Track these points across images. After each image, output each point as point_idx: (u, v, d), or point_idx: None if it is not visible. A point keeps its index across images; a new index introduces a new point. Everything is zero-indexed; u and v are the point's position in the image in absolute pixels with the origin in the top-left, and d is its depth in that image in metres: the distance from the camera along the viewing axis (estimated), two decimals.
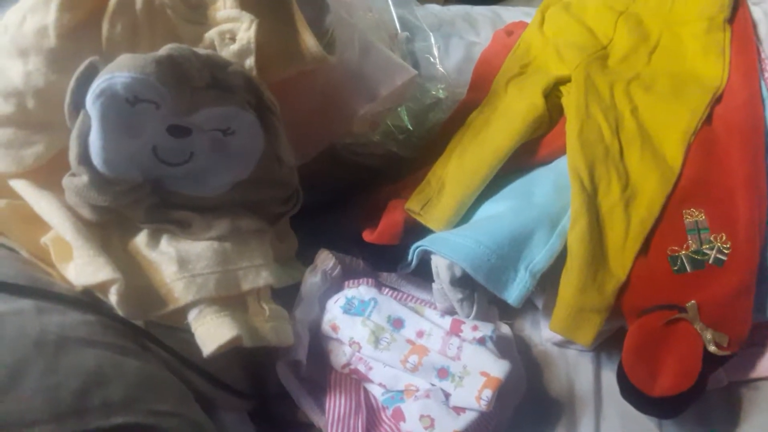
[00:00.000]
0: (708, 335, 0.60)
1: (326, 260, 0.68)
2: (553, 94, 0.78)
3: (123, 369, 0.48)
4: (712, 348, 0.60)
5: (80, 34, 0.52)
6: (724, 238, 0.65)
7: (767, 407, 0.65)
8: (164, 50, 0.52)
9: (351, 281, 0.68)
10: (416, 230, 0.70)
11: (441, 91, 0.87)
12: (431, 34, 0.94)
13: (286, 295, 0.64)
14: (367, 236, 0.70)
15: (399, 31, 0.92)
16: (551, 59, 0.84)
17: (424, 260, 0.67)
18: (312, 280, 0.66)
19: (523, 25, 0.96)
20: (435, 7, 1.17)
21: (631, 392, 0.60)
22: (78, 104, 0.51)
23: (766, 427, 0.64)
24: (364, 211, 0.75)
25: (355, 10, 0.77)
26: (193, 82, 0.53)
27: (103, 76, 0.49)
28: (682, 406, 0.60)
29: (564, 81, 0.79)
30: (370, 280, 0.69)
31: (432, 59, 0.92)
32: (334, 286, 0.68)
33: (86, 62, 0.51)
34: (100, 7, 0.53)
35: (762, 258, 0.65)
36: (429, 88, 0.86)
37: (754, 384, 0.67)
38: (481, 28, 1.10)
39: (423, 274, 0.68)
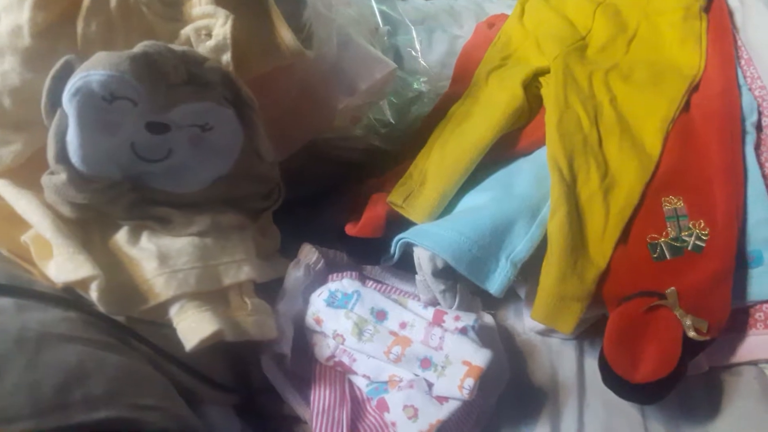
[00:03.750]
0: (688, 321, 0.61)
1: (309, 254, 0.69)
2: (532, 85, 0.79)
3: (104, 364, 0.48)
4: (691, 334, 0.60)
5: (55, 32, 0.52)
6: (702, 224, 0.66)
7: (748, 392, 0.66)
8: (139, 47, 0.52)
9: (335, 275, 0.69)
10: (399, 223, 0.71)
11: (423, 84, 0.87)
12: (413, 27, 0.95)
13: (271, 290, 0.65)
14: (350, 230, 0.70)
15: (380, 25, 0.92)
16: (531, 51, 0.84)
17: (407, 252, 0.67)
18: (295, 274, 0.66)
19: (504, 18, 0.96)
20: (418, 1, 1.17)
21: (612, 379, 0.61)
22: (54, 103, 0.51)
23: (747, 411, 0.65)
24: (347, 204, 0.75)
25: (334, 5, 0.77)
26: (169, 79, 0.53)
27: (78, 74, 0.50)
28: (662, 392, 0.60)
29: (543, 72, 0.79)
30: (353, 273, 0.69)
31: (414, 53, 0.92)
32: (318, 279, 0.69)
33: (62, 61, 0.51)
34: (74, 5, 0.53)
35: (740, 244, 0.66)
36: (411, 81, 0.87)
37: (735, 369, 0.67)
38: (465, 21, 1.10)
39: (406, 266, 0.69)
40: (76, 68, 0.50)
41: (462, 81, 0.86)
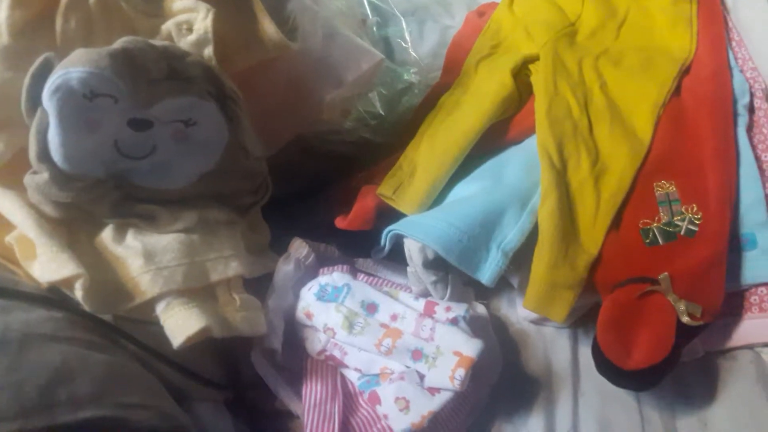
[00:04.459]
0: (681, 306, 0.60)
1: (300, 248, 0.68)
2: (522, 73, 0.78)
3: (89, 363, 0.48)
4: (685, 319, 0.59)
5: (34, 30, 0.52)
6: (695, 208, 0.65)
7: (744, 376, 0.65)
8: (118, 43, 0.51)
9: (325, 269, 0.68)
10: (389, 215, 0.70)
11: (413, 75, 0.86)
12: (402, 18, 0.94)
13: (261, 285, 0.64)
14: (340, 223, 0.70)
15: (369, 16, 0.91)
16: (521, 38, 0.83)
17: (398, 244, 0.67)
18: (285, 268, 0.66)
19: (494, 6, 0.95)
20: None
21: (606, 366, 0.60)
22: (35, 101, 0.51)
23: (744, 395, 0.64)
24: (337, 197, 0.75)
25: None
26: (149, 74, 0.53)
27: (58, 71, 0.49)
28: (656, 379, 0.60)
29: (533, 59, 0.78)
30: (344, 266, 0.69)
31: (404, 44, 0.91)
32: (309, 274, 0.68)
33: (41, 58, 0.50)
34: (52, 2, 0.52)
35: (733, 227, 0.65)
36: (401, 72, 0.86)
37: (730, 354, 0.67)
38: (456, 12, 1.09)
39: (398, 258, 0.68)
40: (55, 66, 0.50)
41: (452, 71, 0.85)
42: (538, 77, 0.75)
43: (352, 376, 0.63)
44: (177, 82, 0.55)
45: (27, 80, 0.50)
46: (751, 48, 0.77)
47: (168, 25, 0.57)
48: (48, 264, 0.51)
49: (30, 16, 0.52)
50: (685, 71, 0.75)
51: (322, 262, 0.70)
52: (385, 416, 0.59)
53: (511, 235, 0.64)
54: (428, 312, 0.64)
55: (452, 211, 0.66)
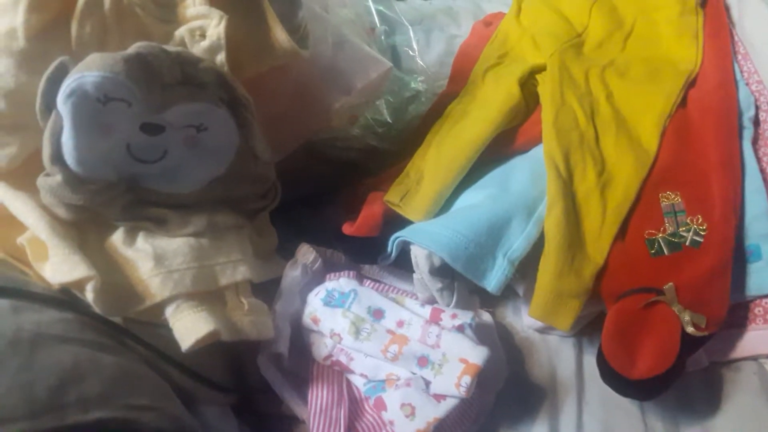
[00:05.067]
0: (686, 317, 0.60)
1: (307, 254, 0.68)
2: (529, 83, 0.79)
3: (99, 365, 0.48)
4: (690, 329, 0.60)
5: (49, 34, 0.52)
6: (700, 219, 0.66)
7: (748, 387, 0.65)
8: (133, 48, 0.52)
9: (332, 274, 0.69)
10: (396, 222, 0.71)
11: (420, 83, 0.87)
12: (410, 27, 0.95)
13: (268, 290, 0.65)
14: (347, 229, 0.70)
15: (378, 25, 0.92)
16: (528, 48, 0.84)
17: (405, 251, 0.67)
18: (292, 273, 0.66)
19: (501, 16, 0.96)
20: (416, 1, 1.17)
21: (610, 376, 0.61)
22: (49, 104, 0.51)
23: (747, 406, 0.64)
24: (345, 204, 0.76)
25: (330, 6, 0.77)
26: (163, 80, 0.54)
27: (72, 75, 0.50)
28: (660, 388, 0.60)
29: (540, 69, 0.79)
30: (351, 272, 0.69)
31: (411, 53, 0.92)
32: (316, 279, 0.69)
33: (56, 62, 0.51)
34: (68, 7, 0.53)
35: (738, 239, 0.66)
36: (408, 81, 0.87)
37: (735, 364, 0.67)
38: (463, 21, 1.10)
39: (404, 264, 0.69)
40: (70, 70, 0.50)
41: (459, 80, 0.86)
42: (545, 87, 0.76)
43: (358, 381, 0.63)
44: (190, 88, 0.56)
45: (42, 84, 0.51)
46: (756, 61, 0.78)
47: (181, 31, 0.58)
48: (60, 266, 0.51)
49: (46, 20, 0.52)
50: (691, 83, 0.76)
51: (329, 267, 0.70)
52: (391, 422, 0.59)
53: (517, 243, 0.65)
54: (434, 319, 0.64)
55: (459, 219, 0.66)
